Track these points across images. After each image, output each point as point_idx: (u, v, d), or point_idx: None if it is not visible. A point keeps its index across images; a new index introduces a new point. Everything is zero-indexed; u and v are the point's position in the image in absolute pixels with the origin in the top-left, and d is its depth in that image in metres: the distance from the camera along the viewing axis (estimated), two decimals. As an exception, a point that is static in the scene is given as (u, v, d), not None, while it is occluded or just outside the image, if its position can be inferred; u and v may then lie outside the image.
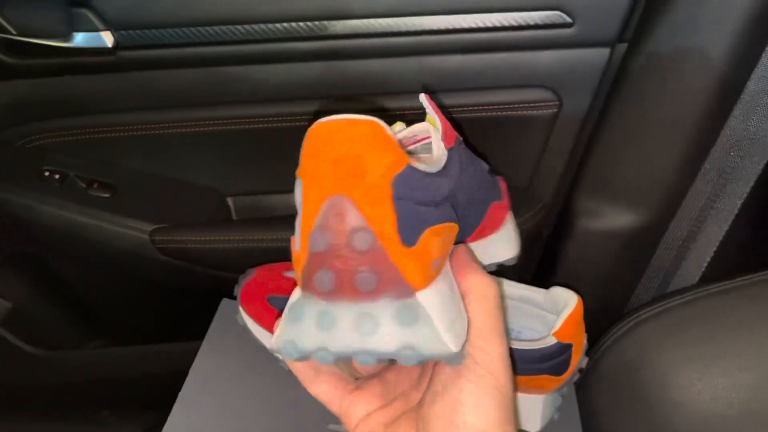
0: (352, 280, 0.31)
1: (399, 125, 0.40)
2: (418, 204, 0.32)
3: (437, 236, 0.33)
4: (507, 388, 0.35)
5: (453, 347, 0.32)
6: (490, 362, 0.35)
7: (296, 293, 0.34)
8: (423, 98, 0.42)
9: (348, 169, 0.30)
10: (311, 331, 0.32)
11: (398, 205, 0.31)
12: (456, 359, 0.33)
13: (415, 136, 0.41)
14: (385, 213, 0.31)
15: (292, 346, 0.32)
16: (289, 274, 0.58)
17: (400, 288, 0.32)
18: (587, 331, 0.57)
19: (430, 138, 0.38)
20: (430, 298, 0.33)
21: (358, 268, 0.31)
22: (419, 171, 0.32)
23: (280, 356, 0.33)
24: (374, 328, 0.31)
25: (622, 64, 0.60)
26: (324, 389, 0.41)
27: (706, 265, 0.64)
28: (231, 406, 0.56)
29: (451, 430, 0.33)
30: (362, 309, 0.31)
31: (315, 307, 0.32)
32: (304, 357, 0.32)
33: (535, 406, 0.54)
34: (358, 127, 0.31)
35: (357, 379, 0.42)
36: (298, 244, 0.32)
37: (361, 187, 0.30)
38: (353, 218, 0.30)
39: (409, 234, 0.31)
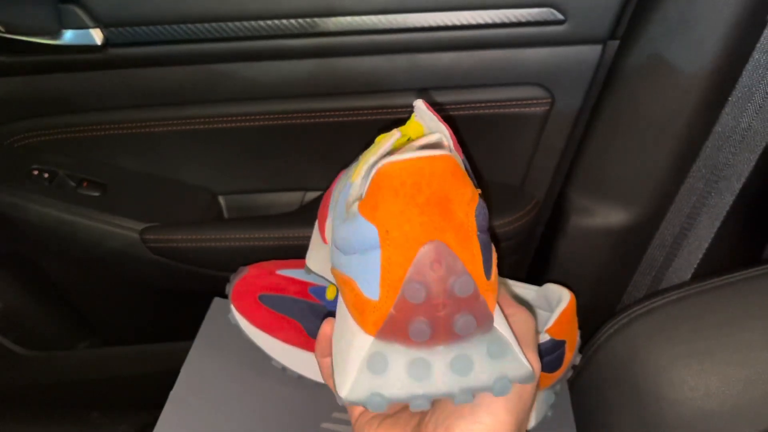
0: (450, 326, 0.30)
1: (396, 132, 0.38)
2: (484, 234, 0.31)
3: (496, 263, 0.33)
4: (528, 396, 0.35)
5: (530, 367, 0.33)
6: None
7: (365, 339, 0.32)
8: (420, 104, 0.41)
9: (438, 211, 0.29)
10: (402, 380, 0.31)
11: (479, 239, 0.30)
12: (532, 378, 0.33)
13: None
14: (474, 252, 0.30)
15: (379, 398, 0.31)
16: (283, 273, 0.58)
17: (487, 322, 0.31)
18: (580, 327, 0.57)
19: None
20: (501, 326, 0.32)
21: (458, 313, 0.30)
22: (482, 199, 0.32)
23: (353, 403, 0.32)
24: (469, 367, 0.31)
25: (614, 61, 0.60)
26: None
27: (698, 261, 0.64)
28: (223, 405, 0.55)
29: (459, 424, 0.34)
30: (456, 351, 0.31)
31: (403, 356, 0.31)
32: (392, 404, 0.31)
33: (528, 404, 0.54)
34: (437, 164, 0.29)
35: None
36: (374, 291, 0.30)
37: (453, 228, 0.29)
38: (453, 265, 0.29)
39: (487, 267, 0.31)
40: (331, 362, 0.42)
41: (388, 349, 0.31)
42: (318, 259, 0.46)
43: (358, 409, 0.40)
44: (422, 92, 0.64)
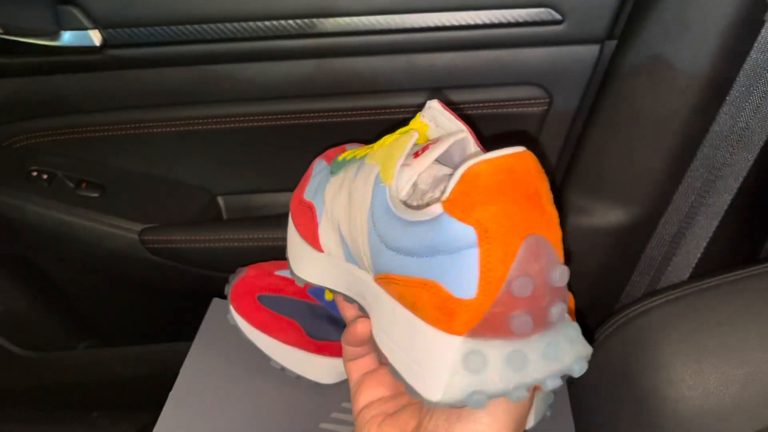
0: (547, 315, 0.31)
1: (414, 133, 0.38)
2: None
3: None
4: (525, 402, 0.35)
5: (590, 347, 0.34)
6: None
7: (451, 340, 0.32)
8: (436, 104, 0.41)
9: (532, 206, 0.30)
10: (501, 374, 0.31)
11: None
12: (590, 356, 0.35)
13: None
14: (560, 239, 0.31)
15: (481, 396, 0.31)
16: (281, 273, 0.58)
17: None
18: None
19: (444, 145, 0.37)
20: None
21: (554, 302, 0.31)
22: None
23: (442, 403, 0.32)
24: (558, 352, 0.32)
25: (612, 61, 0.60)
26: (357, 367, 0.43)
27: (696, 261, 0.64)
28: (222, 406, 0.55)
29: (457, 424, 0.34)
30: (548, 338, 0.32)
31: (501, 351, 0.31)
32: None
33: (527, 403, 0.54)
34: (525, 160, 0.31)
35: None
36: (469, 290, 0.30)
37: (545, 221, 0.31)
38: (551, 256, 0.30)
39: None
40: (356, 352, 0.43)
41: (485, 346, 0.31)
42: (315, 270, 0.46)
43: (360, 405, 0.41)
44: (420, 92, 0.64)
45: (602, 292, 0.70)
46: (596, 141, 0.63)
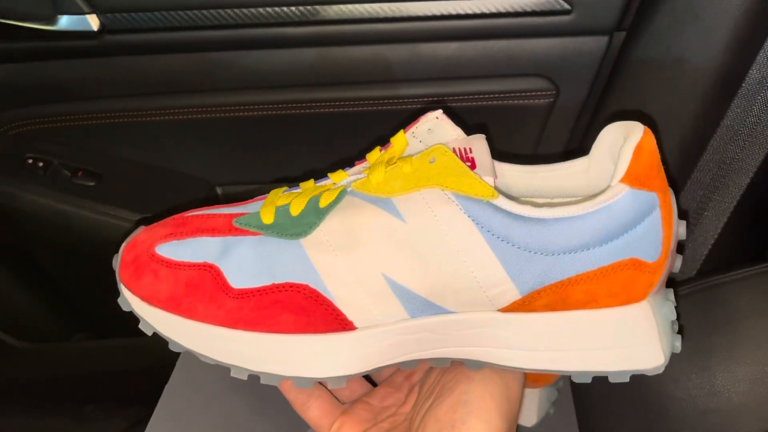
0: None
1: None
2: None
3: None
4: (516, 400, 0.36)
5: None
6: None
7: (646, 305, 0.34)
8: (442, 115, 0.41)
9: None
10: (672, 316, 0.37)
11: None
12: None
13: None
14: None
15: (678, 338, 0.37)
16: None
17: None
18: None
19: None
20: None
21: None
22: None
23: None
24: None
25: (621, 53, 0.59)
26: (316, 413, 0.41)
27: (703, 257, 0.63)
28: (218, 399, 0.55)
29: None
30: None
31: (670, 303, 0.37)
32: None
33: (530, 400, 0.53)
34: (649, 131, 0.35)
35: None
36: (654, 253, 0.33)
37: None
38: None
39: None
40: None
41: (660, 303, 0.35)
42: (352, 356, 0.37)
43: None
44: (424, 82, 0.63)
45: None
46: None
